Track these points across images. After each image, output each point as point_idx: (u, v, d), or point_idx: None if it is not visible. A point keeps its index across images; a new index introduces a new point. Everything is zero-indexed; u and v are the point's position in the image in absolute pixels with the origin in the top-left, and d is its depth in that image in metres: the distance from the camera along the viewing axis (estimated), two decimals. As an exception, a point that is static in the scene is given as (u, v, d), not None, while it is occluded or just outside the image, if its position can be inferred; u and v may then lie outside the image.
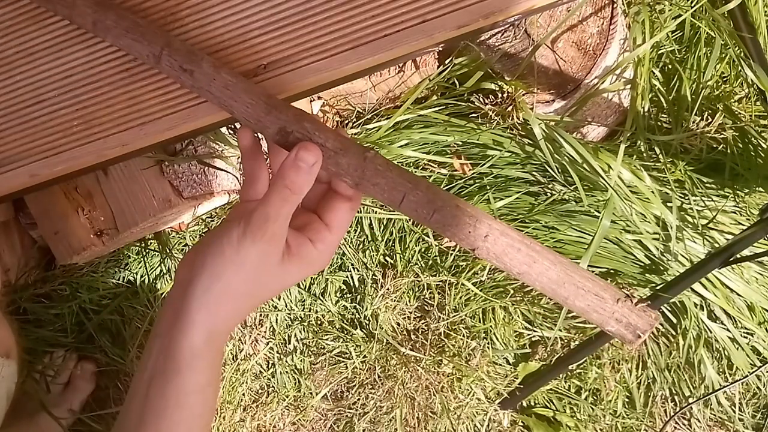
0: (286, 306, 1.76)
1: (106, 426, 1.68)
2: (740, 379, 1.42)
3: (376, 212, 1.64)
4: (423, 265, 1.69)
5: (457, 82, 1.48)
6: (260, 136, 0.71)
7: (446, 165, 1.57)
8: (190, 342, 0.62)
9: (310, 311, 1.75)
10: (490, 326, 1.70)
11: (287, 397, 1.78)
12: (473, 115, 1.53)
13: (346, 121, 1.61)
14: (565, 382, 1.73)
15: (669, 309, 1.64)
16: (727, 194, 1.56)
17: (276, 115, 0.66)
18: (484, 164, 1.55)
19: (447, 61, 1.42)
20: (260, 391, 1.80)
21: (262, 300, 0.68)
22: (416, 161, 1.56)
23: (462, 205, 0.65)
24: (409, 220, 1.63)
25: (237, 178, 1.51)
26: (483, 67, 1.41)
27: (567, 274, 0.64)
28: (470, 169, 1.56)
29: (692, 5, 1.46)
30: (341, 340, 1.75)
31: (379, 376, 1.75)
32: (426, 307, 1.72)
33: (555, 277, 0.64)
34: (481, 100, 1.49)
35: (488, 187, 1.57)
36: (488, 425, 1.74)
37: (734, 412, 1.67)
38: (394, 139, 1.52)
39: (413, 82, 1.48)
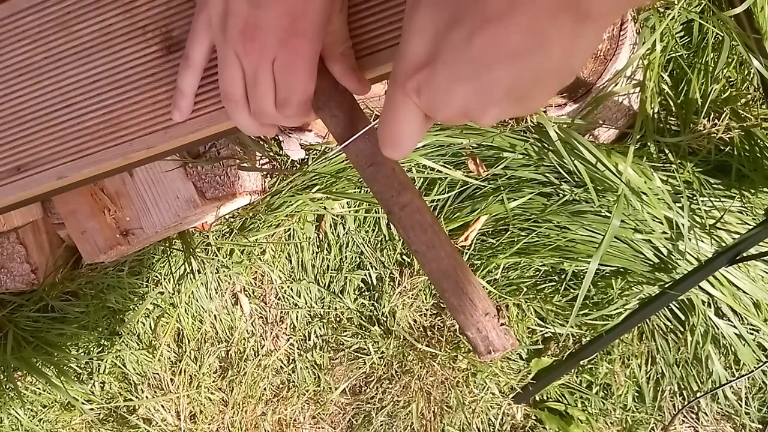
0: (306, 303, 1.74)
1: None
2: (746, 374, 1.42)
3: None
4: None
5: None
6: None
7: (462, 167, 1.55)
8: None
9: (329, 308, 1.74)
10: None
11: (307, 391, 1.77)
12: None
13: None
14: (577, 377, 1.72)
15: (677, 306, 1.62)
16: (734, 195, 1.54)
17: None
18: (498, 166, 1.53)
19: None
20: (281, 386, 1.79)
21: None
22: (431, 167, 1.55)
23: (398, 170, 0.65)
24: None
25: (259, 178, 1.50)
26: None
27: (455, 270, 0.65)
28: (485, 171, 1.54)
29: (700, 10, 1.44)
30: (359, 336, 1.73)
31: (396, 372, 1.73)
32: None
33: (444, 268, 0.65)
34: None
35: (502, 188, 1.55)
36: (502, 419, 1.72)
37: (740, 405, 1.66)
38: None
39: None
